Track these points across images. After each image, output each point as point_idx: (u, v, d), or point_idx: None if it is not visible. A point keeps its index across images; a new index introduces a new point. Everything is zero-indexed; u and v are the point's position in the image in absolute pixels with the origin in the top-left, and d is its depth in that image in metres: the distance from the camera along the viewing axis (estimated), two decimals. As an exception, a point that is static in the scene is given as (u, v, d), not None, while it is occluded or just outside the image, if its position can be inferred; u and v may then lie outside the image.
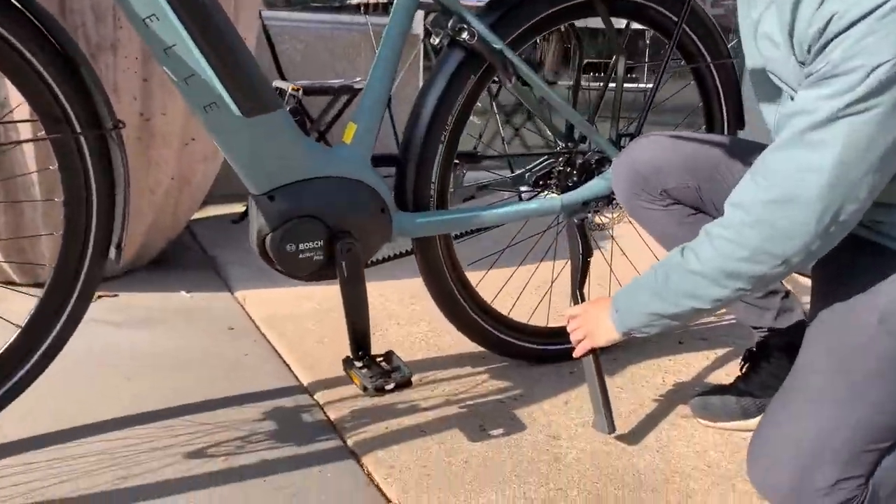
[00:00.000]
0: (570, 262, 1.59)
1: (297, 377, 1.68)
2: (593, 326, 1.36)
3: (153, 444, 1.38)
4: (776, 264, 1.08)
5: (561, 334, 1.56)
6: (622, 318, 1.28)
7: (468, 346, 1.73)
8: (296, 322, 1.93)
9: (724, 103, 1.76)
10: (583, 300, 1.55)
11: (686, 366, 1.78)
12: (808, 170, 1.01)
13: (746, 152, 1.39)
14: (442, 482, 1.31)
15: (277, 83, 2.20)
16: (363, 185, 1.38)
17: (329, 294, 1.88)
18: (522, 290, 1.91)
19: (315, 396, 1.59)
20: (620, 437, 1.48)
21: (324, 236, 1.34)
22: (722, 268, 1.12)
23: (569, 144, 1.66)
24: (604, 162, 1.61)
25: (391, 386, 1.31)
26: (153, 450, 1.36)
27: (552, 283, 1.86)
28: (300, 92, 1.42)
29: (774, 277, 1.11)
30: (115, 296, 2.04)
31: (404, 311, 2.03)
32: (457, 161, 1.57)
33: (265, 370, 1.70)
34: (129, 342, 1.80)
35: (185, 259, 2.34)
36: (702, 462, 1.42)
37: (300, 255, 1.32)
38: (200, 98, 1.19)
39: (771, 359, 1.51)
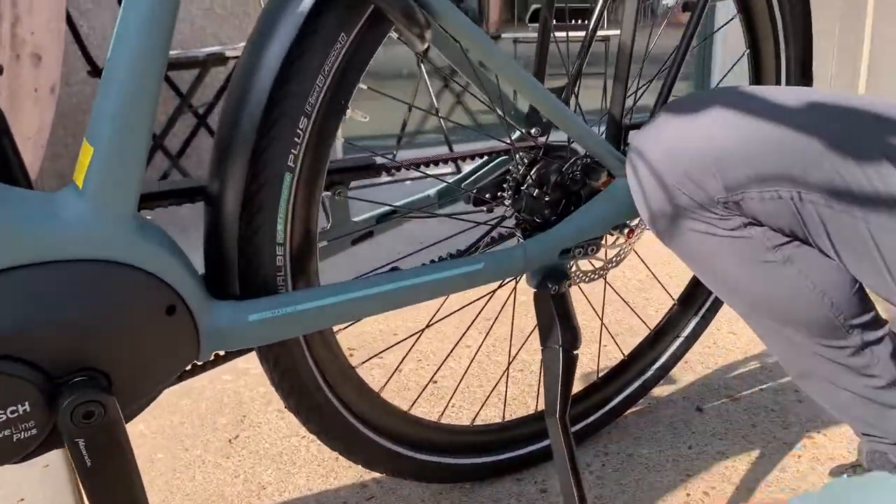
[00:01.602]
0: (540, 351, 0.91)
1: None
2: None
3: None
4: None
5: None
6: None
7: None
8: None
9: (785, 42, 1.06)
10: (564, 422, 0.87)
11: (724, 462, 1.14)
12: None
13: (884, 124, 0.71)
14: None
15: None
16: (116, 268, 0.67)
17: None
18: (456, 390, 1.24)
19: None
20: None
21: (34, 392, 0.63)
22: None
23: (532, 133, 0.97)
24: (593, 172, 0.91)
25: None
26: None
27: (508, 364, 1.19)
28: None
29: None
30: None
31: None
32: (333, 184, 0.87)
33: (41, 538, 1.02)
34: None
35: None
36: None
37: (-21, 440, 0.62)
38: None
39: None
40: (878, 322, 0.80)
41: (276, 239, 0.76)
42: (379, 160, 0.91)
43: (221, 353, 0.86)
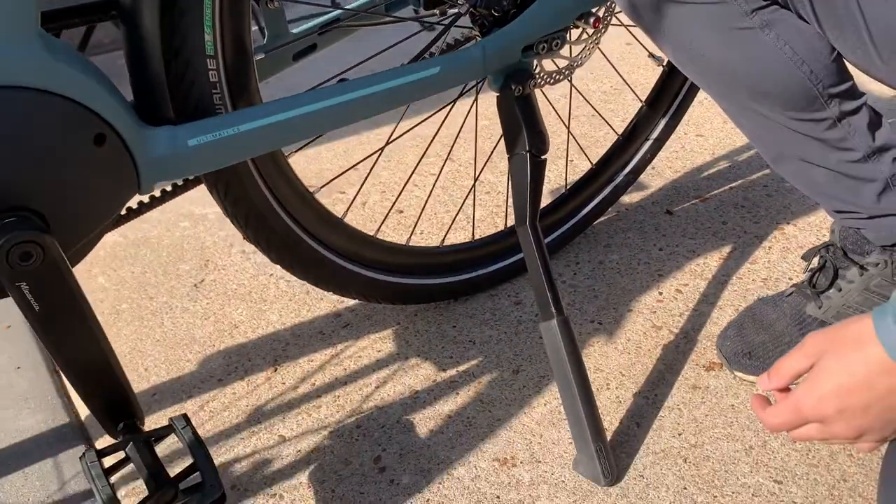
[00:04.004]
0: (507, 161, 0.87)
1: (73, 410, 0.98)
2: (876, 412, 0.55)
3: None
4: None
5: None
6: None
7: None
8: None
9: None
10: (535, 229, 0.84)
11: (696, 260, 1.15)
12: None
13: None
14: None
15: None
16: (29, 94, 0.59)
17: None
18: (420, 215, 1.19)
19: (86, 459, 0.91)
20: (610, 433, 0.87)
21: (-43, 236, 0.58)
22: None
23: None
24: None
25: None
26: None
27: (475, 181, 1.14)
28: None
29: None
30: None
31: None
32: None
33: (16, 394, 1.00)
34: None
35: None
36: (773, 485, 0.83)
37: None
38: None
39: (865, 270, 0.87)
40: (855, 91, 0.77)
41: (205, 51, 0.68)
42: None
43: (168, 188, 0.81)
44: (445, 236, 1.15)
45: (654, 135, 1.16)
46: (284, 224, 0.84)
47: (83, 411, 0.97)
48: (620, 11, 0.85)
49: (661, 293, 1.09)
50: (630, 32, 1.09)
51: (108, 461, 0.70)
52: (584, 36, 0.88)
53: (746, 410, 0.91)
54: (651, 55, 1.04)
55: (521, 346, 1.01)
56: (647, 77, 1.72)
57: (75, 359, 0.66)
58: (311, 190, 0.87)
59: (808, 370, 0.59)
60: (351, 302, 1.11)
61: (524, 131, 0.82)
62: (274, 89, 0.86)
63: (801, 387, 0.58)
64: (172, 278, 1.21)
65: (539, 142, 0.83)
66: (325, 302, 1.12)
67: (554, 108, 1.17)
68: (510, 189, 0.87)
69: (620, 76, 1.27)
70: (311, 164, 1.57)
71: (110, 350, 0.68)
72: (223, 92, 0.71)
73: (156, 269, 1.23)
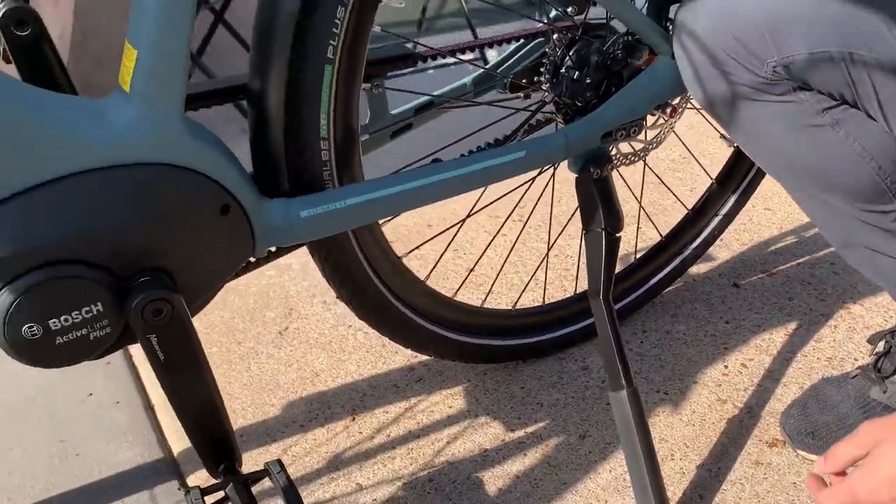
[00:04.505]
0: (582, 240, 0.92)
1: (166, 445, 1.07)
2: None
3: None
4: None
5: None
6: None
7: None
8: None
9: None
10: (608, 302, 0.89)
11: (761, 335, 1.17)
12: None
13: None
14: None
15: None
16: (171, 170, 0.68)
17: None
18: (497, 276, 1.25)
19: (191, 496, 0.98)
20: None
21: (104, 293, 0.66)
22: None
23: (569, 11, 0.94)
24: (635, 50, 0.89)
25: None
26: None
27: (548, 248, 1.20)
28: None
29: None
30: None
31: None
32: (371, 76, 0.86)
33: (115, 429, 1.08)
34: None
35: None
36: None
37: (60, 340, 0.66)
38: None
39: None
40: (923, 188, 0.81)
41: (320, 133, 0.77)
42: (414, 49, 0.90)
43: (273, 249, 0.88)
44: (518, 299, 1.20)
45: (724, 211, 1.20)
46: (376, 288, 0.91)
47: (176, 447, 1.04)
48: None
49: (726, 366, 1.12)
50: (700, 113, 1.14)
51: (209, 499, 0.76)
52: (661, 121, 0.94)
53: (804, 494, 0.93)
54: (722, 136, 1.09)
55: (588, 412, 1.05)
56: (716, 147, 1.76)
57: (189, 404, 0.73)
58: (400, 256, 0.94)
59: (863, 457, 0.62)
60: (423, 357, 1.17)
61: (601, 211, 0.88)
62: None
63: (858, 472, 0.61)
64: (259, 324, 1.29)
65: (615, 220, 0.89)
66: (400, 356, 1.19)
67: (622, 177, 1.23)
68: (584, 262, 0.93)
69: (689, 151, 1.32)
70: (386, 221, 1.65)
71: (220, 397, 0.75)
72: (332, 169, 0.79)
73: (243, 315, 1.32)
